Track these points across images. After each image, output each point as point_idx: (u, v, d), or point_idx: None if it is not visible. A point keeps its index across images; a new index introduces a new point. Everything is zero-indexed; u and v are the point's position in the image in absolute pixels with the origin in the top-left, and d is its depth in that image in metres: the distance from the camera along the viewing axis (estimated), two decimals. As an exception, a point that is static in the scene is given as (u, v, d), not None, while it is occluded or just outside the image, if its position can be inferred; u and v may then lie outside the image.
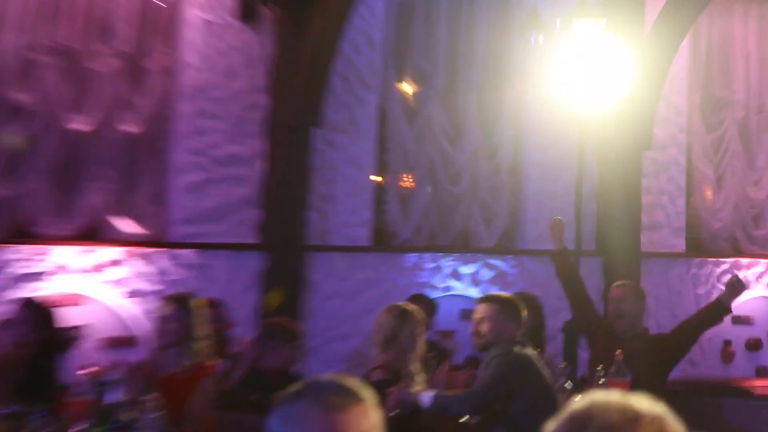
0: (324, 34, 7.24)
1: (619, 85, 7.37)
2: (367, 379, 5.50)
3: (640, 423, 1.50)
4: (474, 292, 7.97)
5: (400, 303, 5.61)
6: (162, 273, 7.25)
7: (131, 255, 7.16)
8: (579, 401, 1.54)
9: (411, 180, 8.27)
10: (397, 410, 5.11)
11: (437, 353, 6.32)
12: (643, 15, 8.52)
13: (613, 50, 7.09)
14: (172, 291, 6.81)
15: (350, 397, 1.86)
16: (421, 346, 5.39)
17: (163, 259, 7.27)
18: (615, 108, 7.78)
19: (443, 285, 8.16)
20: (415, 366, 5.37)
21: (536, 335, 6.83)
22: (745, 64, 9.35)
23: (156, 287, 7.16)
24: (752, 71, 9.40)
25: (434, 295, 7.85)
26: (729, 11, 9.32)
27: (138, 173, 7.26)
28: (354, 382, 1.88)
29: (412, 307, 5.53)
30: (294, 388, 1.89)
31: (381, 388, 5.24)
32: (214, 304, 6.34)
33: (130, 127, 7.20)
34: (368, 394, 1.89)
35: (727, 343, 9.13)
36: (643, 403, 1.53)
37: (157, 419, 3.99)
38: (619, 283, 6.63)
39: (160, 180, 7.40)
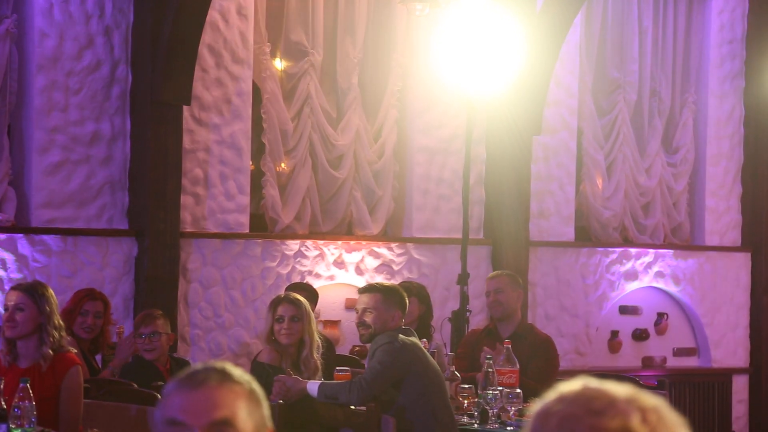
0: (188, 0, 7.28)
1: (509, 64, 7.64)
2: (254, 360, 5.67)
3: (603, 416, 1.56)
4: (359, 281, 8.15)
5: (282, 293, 5.81)
6: (23, 260, 7.23)
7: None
8: (570, 385, 1.61)
9: (290, 163, 8.39)
10: (285, 398, 5.28)
11: (322, 343, 6.50)
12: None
13: (503, 26, 7.32)
14: (31, 279, 6.83)
15: (208, 376, 2.12)
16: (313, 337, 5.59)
17: (23, 245, 7.25)
18: (505, 89, 8.07)
19: (327, 273, 8.33)
20: (302, 356, 5.55)
21: (423, 324, 7.10)
22: (641, 43, 9.69)
23: (17, 275, 7.14)
24: (647, 50, 9.75)
25: (318, 284, 8.01)
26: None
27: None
28: (221, 366, 2.12)
29: (295, 296, 5.72)
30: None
31: (267, 376, 5.42)
32: (96, 296, 6.39)
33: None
34: (233, 376, 2.14)
35: (615, 333, 9.56)
36: (614, 393, 1.58)
37: (28, 410, 4.06)
38: (494, 274, 7.07)
39: (15, 160, 7.36)
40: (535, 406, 1.62)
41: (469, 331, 7.30)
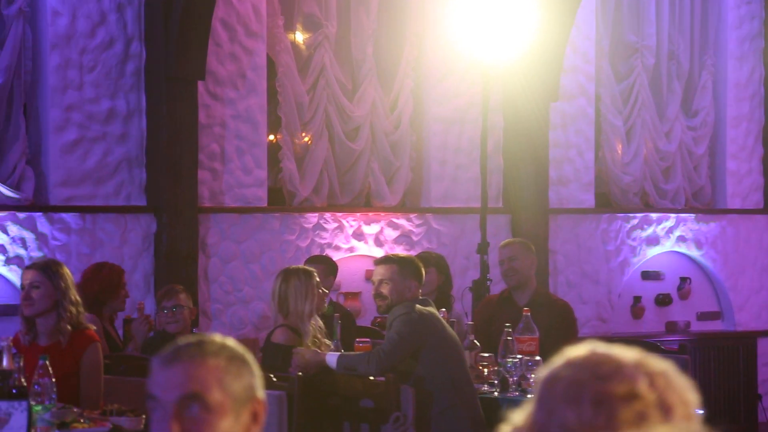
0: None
1: (524, 31, 7.62)
2: (267, 339, 5.72)
3: (610, 381, 1.56)
4: (379, 253, 8.18)
5: (289, 266, 5.86)
6: (43, 239, 7.30)
7: (9, 219, 7.19)
8: (577, 350, 1.62)
9: (307, 136, 8.41)
10: (304, 370, 5.32)
11: (342, 315, 6.54)
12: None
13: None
14: (51, 257, 6.89)
15: (183, 352, 2.20)
16: (312, 305, 5.60)
17: (43, 224, 7.31)
18: (520, 56, 8.04)
19: (346, 246, 8.36)
20: (313, 325, 5.59)
21: (443, 294, 7.12)
22: (658, 5, 9.63)
23: (37, 254, 7.21)
24: (664, 13, 9.68)
25: (337, 256, 8.04)
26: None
27: (8, 131, 7.25)
28: (199, 340, 2.17)
29: (299, 268, 5.76)
30: None
31: (284, 349, 5.46)
32: (119, 270, 6.44)
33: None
34: (209, 350, 2.20)
35: (637, 299, 9.55)
36: (621, 358, 1.58)
37: (48, 386, 4.11)
38: (506, 242, 7.04)
39: (33, 139, 7.41)
40: (542, 372, 1.63)
41: (483, 300, 7.30)
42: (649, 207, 9.69)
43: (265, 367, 5.54)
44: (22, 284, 5.01)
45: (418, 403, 5.30)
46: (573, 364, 1.60)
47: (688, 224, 9.80)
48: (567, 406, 1.55)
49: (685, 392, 1.60)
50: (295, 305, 5.60)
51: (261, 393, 2.28)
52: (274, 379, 5.08)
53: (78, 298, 5.03)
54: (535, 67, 8.63)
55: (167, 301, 6.12)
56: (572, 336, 6.57)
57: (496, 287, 8.20)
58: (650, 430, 1.50)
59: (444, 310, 6.37)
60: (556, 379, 1.59)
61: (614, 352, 1.60)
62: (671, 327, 9.69)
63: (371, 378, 5.37)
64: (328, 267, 7.15)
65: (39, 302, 4.93)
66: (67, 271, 5.04)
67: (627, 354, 1.60)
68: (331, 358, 5.45)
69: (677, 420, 1.53)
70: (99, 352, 4.99)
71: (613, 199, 9.59)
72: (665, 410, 1.54)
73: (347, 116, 8.54)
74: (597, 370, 1.57)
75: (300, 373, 5.26)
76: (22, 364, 4.18)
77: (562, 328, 6.48)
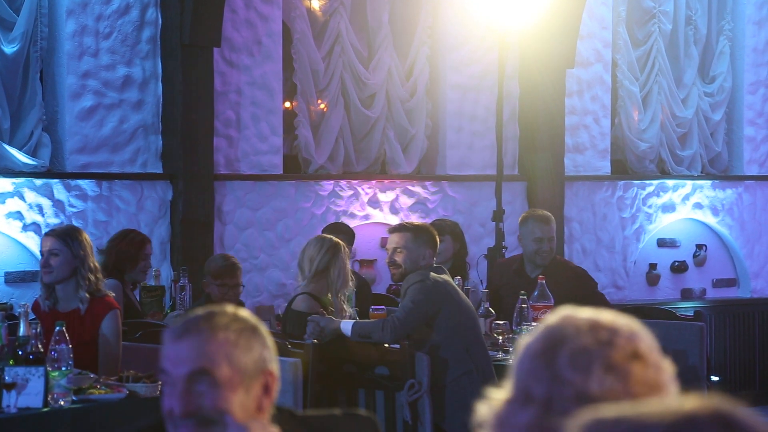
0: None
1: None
2: (289, 306, 5.73)
3: (614, 345, 1.55)
4: (394, 220, 8.18)
5: (329, 236, 5.85)
6: (59, 206, 7.31)
7: (26, 186, 7.21)
8: (553, 318, 1.59)
9: (322, 103, 8.39)
10: (318, 337, 5.33)
11: (358, 283, 6.55)
12: None
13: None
14: (69, 224, 6.91)
15: (192, 326, 2.22)
16: (348, 280, 5.65)
17: (59, 190, 7.32)
18: (537, 23, 7.99)
19: (362, 213, 8.36)
20: (341, 299, 5.61)
21: (458, 262, 7.11)
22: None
23: (54, 220, 7.23)
24: (682, -24, 9.61)
25: (353, 223, 8.04)
26: None
27: (24, 98, 7.25)
28: (209, 314, 2.17)
29: (341, 243, 5.76)
30: None
31: (305, 316, 5.47)
32: (142, 239, 6.45)
33: (5, 47, 7.17)
34: (218, 324, 2.21)
35: (653, 266, 9.53)
36: (615, 322, 1.58)
37: (65, 352, 4.12)
38: (544, 217, 6.77)
39: (49, 106, 7.41)
40: (520, 345, 1.58)
41: (496, 264, 7.25)
42: (665, 174, 9.65)
43: (286, 334, 5.57)
44: (41, 251, 5.02)
45: (433, 370, 5.31)
46: (567, 331, 1.56)
47: (704, 191, 9.76)
48: (579, 375, 1.52)
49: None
50: (335, 279, 5.61)
51: (273, 365, 2.28)
52: (289, 347, 5.09)
53: (97, 265, 5.04)
54: (552, 34, 8.58)
55: (230, 278, 6.12)
56: (599, 299, 6.49)
57: (512, 255, 8.18)
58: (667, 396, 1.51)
59: (459, 277, 6.36)
60: (554, 347, 1.55)
61: (595, 315, 1.58)
62: (687, 294, 9.67)
63: (386, 345, 5.38)
64: (347, 235, 7.15)
65: (58, 270, 4.94)
66: (86, 237, 5.04)
67: (608, 316, 1.59)
68: (346, 325, 5.46)
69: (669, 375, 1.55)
70: (118, 319, 5.00)
71: (629, 166, 9.55)
72: (658, 369, 1.56)
73: (363, 83, 8.51)
74: (597, 335, 1.55)
75: (315, 341, 5.27)
76: (39, 330, 4.20)
77: (582, 295, 6.31)
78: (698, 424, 1.17)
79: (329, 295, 5.68)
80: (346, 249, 5.80)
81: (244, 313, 2.29)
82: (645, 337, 1.58)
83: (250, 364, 2.23)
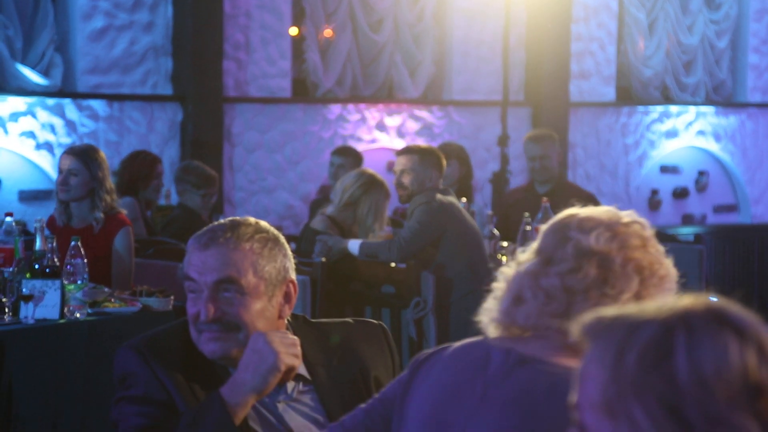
0: None
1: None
2: (308, 225, 5.79)
3: (625, 222, 1.84)
4: (400, 144, 8.21)
5: (372, 173, 5.83)
6: (71, 125, 7.35)
7: (38, 105, 7.24)
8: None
9: (330, 28, 8.37)
10: (327, 256, 5.40)
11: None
12: None
13: None
14: (88, 143, 6.95)
15: (218, 235, 2.27)
16: (381, 222, 5.64)
17: (71, 110, 7.36)
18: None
19: (368, 137, 8.39)
20: (370, 238, 5.61)
21: (464, 185, 7.14)
22: None
23: (66, 140, 7.27)
24: None
25: (359, 147, 8.07)
26: None
27: (36, 18, 7.25)
28: (234, 224, 2.24)
29: (380, 178, 5.76)
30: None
31: (315, 234, 5.53)
32: (153, 159, 6.49)
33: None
34: (244, 234, 2.28)
35: (655, 191, 9.57)
36: (633, 216, 1.89)
37: (80, 266, 4.19)
38: (535, 137, 6.76)
39: (61, 26, 7.41)
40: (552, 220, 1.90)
41: (507, 193, 7.31)
42: (669, 100, 9.65)
43: (300, 252, 5.64)
44: (60, 168, 5.05)
45: (438, 289, 5.38)
46: (587, 212, 1.89)
47: (708, 118, 9.77)
48: (581, 233, 1.83)
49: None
50: (365, 215, 5.64)
51: (293, 274, 2.35)
52: (299, 265, 5.15)
53: (112, 185, 5.09)
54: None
55: (212, 188, 6.21)
56: None
57: (516, 179, 8.24)
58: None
59: (465, 199, 6.42)
60: (570, 216, 1.88)
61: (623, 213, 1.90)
62: (688, 219, 9.73)
63: (392, 264, 5.45)
64: (354, 159, 7.18)
65: (75, 189, 4.98)
66: (103, 157, 5.08)
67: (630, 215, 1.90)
68: (354, 244, 5.52)
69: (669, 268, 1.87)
70: (130, 235, 5.06)
71: (634, 93, 9.55)
72: (661, 256, 1.88)
73: (371, 8, 8.48)
74: (607, 213, 1.87)
75: (323, 259, 5.34)
76: (55, 244, 4.26)
77: None
78: (693, 319, 1.23)
79: (356, 228, 5.70)
80: (388, 193, 5.79)
81: (266, 224, 2.35)
82: (652, 236, 1.86)
83: (273, 273, 2.29)
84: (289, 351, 2.25)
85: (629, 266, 1.81)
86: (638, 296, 1.82)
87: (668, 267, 1.86)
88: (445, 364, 1.90)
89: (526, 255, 1.91)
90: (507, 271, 1.92)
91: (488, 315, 1.91)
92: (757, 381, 1.20)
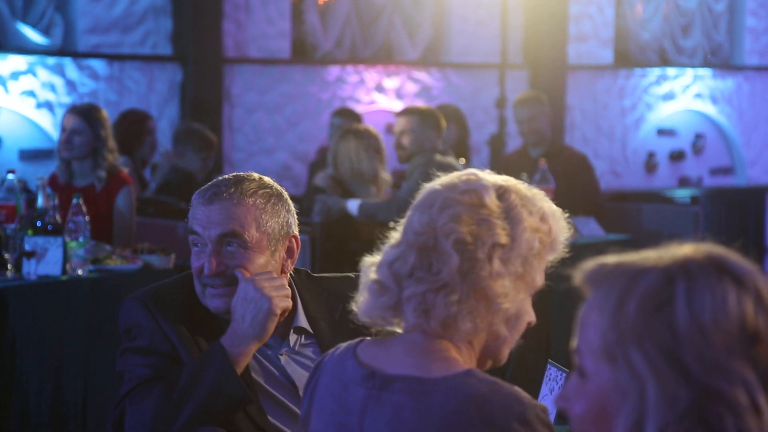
0: None
1: None
2: (310, 182, 5.78)
3: (462, 192, 1.74)
4: (399, 106, 8.20)
5: (357, 125, 5.79)
6: (72, 85, 7.34)
7: (39, 64, 7.23)
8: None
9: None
10: (326, 216, 5.41)
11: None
12: None
13: None
14: (91, 102, 6.95)
15: (222, 191, 2.28)
16: (372, 165, 5.61)
17: (72, 70, 7.34)
18: None
19: (367, 99, 8.38)
20: (364, 193, 5.59)
21: (461, 147, 7.14)
22: None
23: (66, 99, 7.26)
24: None
25: (358, 109, 8.06)
26: None
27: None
28: (238, 179, 2.26)
29: (364, 128, 5.72)
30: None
31: (317, 190, 5.54)
32: (143, 116, 6.48)
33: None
34: (247, 189, 2.28)
35: (651, 154, 9.58)
36: (481, 177, 1.79)
37: (82, 224, 4.21)
38: (522, 100, 6.66)
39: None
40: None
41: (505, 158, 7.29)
42: (667, 63, 9.64)
43: (303, 210, 5.62)
44: (63, 127, 5.05)
45: (436, 248, 5.38)
46: (443, 183, 1.78)
47: (705, 81, 9.76)
48: (418, 211, 1.76)
49: (546, 213, 1.77)
50: (350, 164, 5.59)
51: (296, 229, 2.37)
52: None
53: (114, 145, 5.10)
54: None
55: (212, 151, 6.21)
56: (593, 187, 6.48)
57: (515, 141, 8.24)
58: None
59: (463, 159, 6.42)
60: (426, 191, 1.78)
61: (483, 175, 1.78)
62: (684, 181, 9.75)
63: (391, 224, 5.45)
64: (354, 120, 7.17)
65: (78, 148, 4.99)
66: (106, 116, 5.08)
67: (495, 177, 1.78)
68: (353, 205, 5.52)
69: (526, 231, 1.72)
70: (131, 194, 5.07)
71: (632, 56, 9.53)
72: (511, 221, 1.73)
73: (370, -30, 8.44)
74: (458, 186, 1.75)
75: (320, 219, 5.35)
76: (57, 202, 4.27)
77: (580, 180, 6.33)
78: (693, 266, 1.25)
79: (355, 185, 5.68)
80: (374, 144, 5.72)
81: (269, 180, 2.36)
82: (507, 192, 1.75)
83: (276, 228, 2.31)
84: (281, 293, 2.27)
85: (448, 242, 1.70)
86: (468, 273, 1.69)
87: (519, 234, 1.72)
88: (326, 385, 1.80)
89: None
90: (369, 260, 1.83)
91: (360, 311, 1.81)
92: (754, 329, 1.22)
